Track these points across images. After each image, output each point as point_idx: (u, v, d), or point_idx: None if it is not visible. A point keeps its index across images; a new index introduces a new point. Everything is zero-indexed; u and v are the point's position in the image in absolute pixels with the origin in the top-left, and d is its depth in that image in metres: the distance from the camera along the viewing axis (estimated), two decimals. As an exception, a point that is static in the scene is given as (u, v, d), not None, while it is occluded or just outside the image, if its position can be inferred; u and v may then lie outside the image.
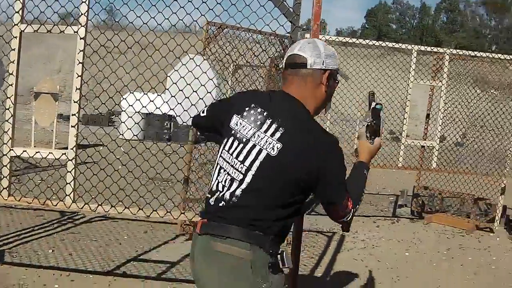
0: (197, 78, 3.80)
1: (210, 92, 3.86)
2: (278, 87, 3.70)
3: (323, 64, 2.31)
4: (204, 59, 4.25)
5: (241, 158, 2.25)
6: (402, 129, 7.22)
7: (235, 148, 2.29)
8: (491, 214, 7.81)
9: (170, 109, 3.95)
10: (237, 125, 2.33)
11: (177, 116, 3.99)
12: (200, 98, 3.81)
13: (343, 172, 2.24)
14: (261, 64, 4.46)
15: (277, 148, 2.19)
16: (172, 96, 3.90)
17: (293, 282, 3.34)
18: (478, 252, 6.61)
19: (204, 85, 3.78)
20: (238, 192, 2.22)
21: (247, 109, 2.34)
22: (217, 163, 2.36)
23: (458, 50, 7.79)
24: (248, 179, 2.21)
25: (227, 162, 2.30)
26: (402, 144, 7.10)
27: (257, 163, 2.21)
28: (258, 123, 2.28)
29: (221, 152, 2.34)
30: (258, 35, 5.01)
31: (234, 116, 2.36)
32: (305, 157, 2.18)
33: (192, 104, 3.81)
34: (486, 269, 5.97)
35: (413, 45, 7.31)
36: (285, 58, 2.39)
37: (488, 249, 6.78)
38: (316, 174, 2.18)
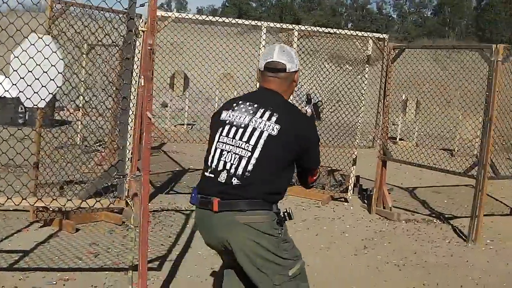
0: (47, 58, 4.00)
1: (61, 73, 4.11)
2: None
3: (296, 68, 3.35)
4: (52, 39, 4.43)
5: (245, 139, 3.13)
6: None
7: (235, 133, 3.18)
8: (345, 185, 8.72)
9: (20, 91, 4.14)
10: (229, 116, 3.25)
11: (27, 98, 4.18)
12: (51, 79, 4.01)
13: (318, 146, 3.38)
14: (114, 43, 4.78)
15: (277, 129, 3.11)
16: (21, 78, 4.06)
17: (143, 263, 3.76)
18: (332, 221, 7.47)
19: (55, 66, 3.99)
20: (250, 167, 3.08)
21: (234, 105, 3.30)
22: (216, 148, 3.21)
23: (306, 27, 8.54)
24: (256, 155, 3.09)
25: (229, 144, 3.17)
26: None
27: (261, 141, 3.10)
28: (251, 112, 3.20)
29: (218, 139, 3.22)
30: (110, 13, 5.35)
31: (223, 112, 3.31)
32: (298, 135, 3.15)
33: (42, 86, 4.00)
34: (340, 237, 6.82)
35: (262, 22, 7.88)
36: (264, 62, 3.34)
37: (342, 218, 7.69)
38: (305, 147, 3.19)
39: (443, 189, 10.21)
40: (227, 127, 3.21)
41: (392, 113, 9.28)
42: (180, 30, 9.04)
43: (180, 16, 7.62)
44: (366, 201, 8.44)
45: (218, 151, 3.18)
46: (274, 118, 3.14)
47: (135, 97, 5.78)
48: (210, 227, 3.19)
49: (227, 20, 7.92)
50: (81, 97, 7.60)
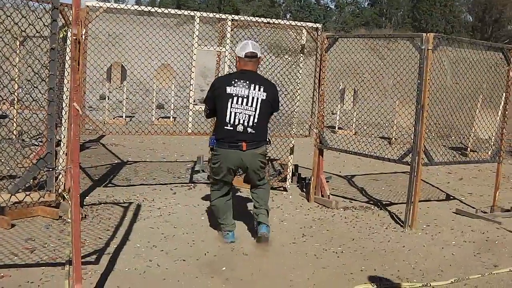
0: None
1: None
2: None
3: (260, 55, 5.88)
4: None
5: (249, 104, 5.64)
6: (189, 96, 7.77)
7: (242, 101, 5.63)
8: (284, 174, 8.77)
9: None
10: (233, 91, 5.65)
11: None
12: None
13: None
14: (40, 34, 4.65)
15: (265, 95, 5.70)
16: None
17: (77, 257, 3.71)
18: (271, 211, 7.44)
19: None
20: (255, 119, 5.66)
21: (233, 82, 5.68)
22: (230, 111, 5.62)
23: (240, 16, 8.51)
24: (257, 113, 5.66)
25: (240, 109, 5.62)
26: (190, 110, 7.69)
27: (258, 104, 5.66)
28: (247, 87, 5.67)
29: (231, 106, 5.62)
30: (35, 3, 5.22)
31: (227, 87, 5.66)
32: (273, 94, 5.85)
33: None
34: (278, 225, 6.85)
35: (195, 12, 7.82)
36: (243, 52, 5.75)
37: (281, 207, 7.74)
38: (275, 100, 5.93)
39: (381, 177, 10.39)
40: (235, 98, 5.64)
41: (330, 102, 9.38)
42: (119, 21, 8.92)
43: (112, 7, 7.49)
44: (304, 190, 8.51)
45: (233, 113, 5.62)
46: (262, 88, 5.72)
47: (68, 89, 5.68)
48: (237, 158, 5.72)
49: (159, 11, 7.80)
50: (14, 90, 7.39)
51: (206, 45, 8.09)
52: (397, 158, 7.34)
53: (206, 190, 8.28)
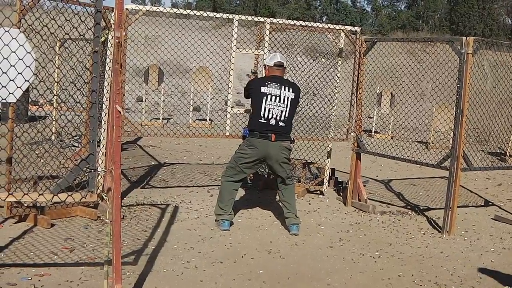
0: (14, 52, 3.96)
1: (28, 67, 4.05)
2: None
3: (286, 65, 6.84)
4: (20, 32, 4.35)
5: (281, 102, 6.44)
6: (227, 98, 7.79)
7: (275, 99, 6.42)
8: (320, 178, 8.75)
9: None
10: (267, 90, 6.43)
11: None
12: (19, 73, 3.97)
13: None
14: (81, 37, 4.71)
15: (293, 95, 6.54)
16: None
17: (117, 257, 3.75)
18: (308, 214, 7.49)
19: (22, 59, 3.96)
20: (286, 115, 6.47)
21: (266, 84, 6.48)
22: (265, 107, 6.39)
23: (278, 20, 8.51)
24: (287, 109, 6.47)
25: (274, 105, 6.41)
26: (228, 113, 7.71)
27: (288, 102, 6.48)
28: (278, 87, 6.47)
29: (265, 103, 6.40)
30: (77, 6, 5.29)
31: (261, 87, 6.46)
32: (298, 96, 6.67)
33: (10, 80, 3.96)
34: (315, 229, 6.86)
35: (234, 15, 7.84)
36: (273, 61, 6.64)
37: (318, 211, 7.73)
38: (298, 100, 6.76)
39: (418, 181, 10.30)
40: (269, 97, 6.42)
41: (367, 106, 9.34)
42: (158, 24, 9.00)
43: (151, 9, 7.55)
44: (341, 194, 8.48)
45: (267, 109, 6.39)
46: (291, 89, 6.52)
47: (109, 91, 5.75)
48: (266, 148, 6.40)
49: (198, 13, 7.87)
50: (55, 92, 7.50)
51: (244, 48, 8.09)
52: (436, 163, 7.26)
53: (242, 192, 8.32)
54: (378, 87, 15.38)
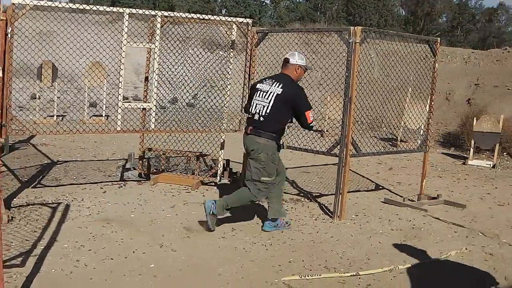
0: None
1: None
2: None
3: (295, 62, 6.48)
4: None
5: (266, 97, 6.23)
6: (118, 93, 7.65)
7: (263, 95, 6.27)
8: (215, 169, 8.76)
9: None
10: (260, 86, 6.38)
11: None
12: None
13: (306, 100, 6.37)
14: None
15: (281, 91, 6.20)
16: None
17: None
18: (201, 206, 7.39)
19: None
20: (267, 110, 6.18)
21: (263, 81, 6.43)
22: (253, 102, 6.35)
23: (170, 13, 8.43)
24: (269, 105, 6.18)
25: (259, 100, 6.27)
26: (119, 108, 7.57)
27: (272, 97, 6.19)
28: (270, 84, 6.32)
29: (255, 98, 6.35)
30: None
31: (258, 84, 6.48)
32: (292, 96, 6.21)
33: None
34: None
35: (124, 9, 7.68)
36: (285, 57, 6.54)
37: (210, 201, 7.70)
38: (296, 100, 6.24)
39: (312, 169, 10.51)
40: (259, 92, 6.36)
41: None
42: (53, 19, 8.70)
43: (38, 4, 7.29)
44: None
45: (254, 104, 6.33)
46: (280, 85, 6.25)
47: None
48: (246, 142, 6.38)
49: (88, 8, 7.68)
50: None
51: (135, 42, 7.96)
52: (326, 150, 7.41)
53: (137, 188, 8.23)
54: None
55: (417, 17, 66.36)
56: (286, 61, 6.48)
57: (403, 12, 70.96)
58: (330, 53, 7.83)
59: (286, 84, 6.28)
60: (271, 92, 6.24)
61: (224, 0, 66.22)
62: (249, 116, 6.43)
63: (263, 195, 6.43)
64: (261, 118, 6.22)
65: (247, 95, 6.71)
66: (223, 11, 64.87)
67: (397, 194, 8.76)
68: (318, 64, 8.65)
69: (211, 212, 6.25)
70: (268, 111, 6.18)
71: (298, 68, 6.47)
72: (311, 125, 6.40)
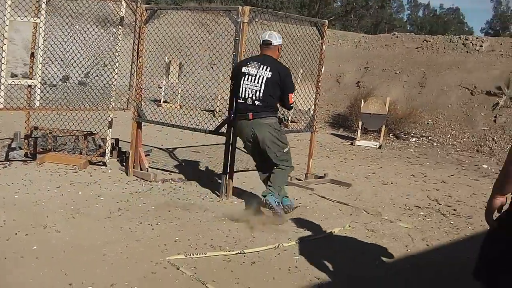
0: None
1: None
2: None
3: (277, 43, 6.58)
4: None
5: (256, 81, 6.37)
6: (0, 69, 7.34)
7: (251, 79, 6.40)
8: (103, 148, 8.62)
9: None
10: (246, 70, 6.46)
11: None
12: None
13: (292, 81, 6.66)
14: None
15: (270, 74, 6.35)
16: None
17: None
18: (88, 186, 7.36)
19: None
20: (260, 94, 6.35)
21: (248, 64, 6.52)
22: (242, 87, 6.44)
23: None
24: (262, 88, 6.35)
25: (249, 84, 6.40)
26: (2, 84, 7.27)
27: (263, 81, 6.35)
28: (257, 67, 6.43)
29: (243, 82, 6.43)
30: None
31: (242, 68, 6.51)
32: (281, 77, 6.38)
33: None
34: (95, 201, 6.74)
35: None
36: (262, 39, 6.56)
37: (98, 182, 7.62)
38: (283, 80, 6.40)
39: (203, 149, 10.54)
40: (246, 76, 6.45)
41: (156, 76, 9.31)
42: None
43: None
44: (124, 164, 8.42)
45: (244, 88, 6.43)
46: (268, 69, 6.39)
47: None
48: (248, 129, 6.43)
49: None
50: None
51: (19, 16, 7.66)
52: (213, 129, 7.44)
53: (22, 168, 7.99)
54: (167, 57, 15.40)
55: (313, 0, 67.46)
56: (268, 43, 6.55)
57: (298, -6, 71.85)
58: (224, 32, 7.85)
59: (274, 66, 6.44)
60: (260, 76, 6.39)
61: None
62: (240, 101, 6.50)
63: (292, 162, 6.80)
64: (256, 102, 6.38)
65: (245, 76, 6.49)
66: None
67: (285, 174, 8.92)
68: (212, 43, 8.68)
69: (278, 203, 6.42)
70: (261, 95, 6.36)
71: (279, 48, 6.68)
72: (291, 105, 6.74)
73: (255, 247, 5.53)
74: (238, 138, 6.77)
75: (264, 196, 6.44)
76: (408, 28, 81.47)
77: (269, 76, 6.37)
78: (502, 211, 3.08)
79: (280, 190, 6.52)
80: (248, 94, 6.41)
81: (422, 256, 5.71)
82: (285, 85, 6.45)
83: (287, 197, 6.65)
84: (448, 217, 7.22)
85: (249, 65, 6.50)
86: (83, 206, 6.46)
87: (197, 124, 8.03)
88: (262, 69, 6.40)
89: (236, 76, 6.66)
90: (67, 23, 8.64)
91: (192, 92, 10.19)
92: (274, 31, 6.90)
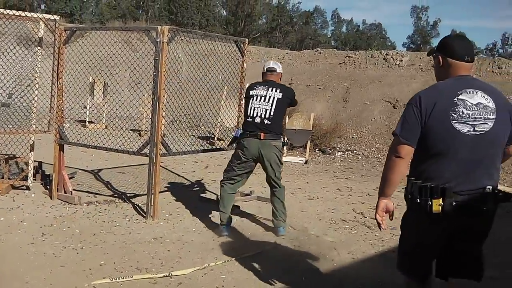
0: None
1: None
2: None
3: (280, 70, 7.08)
4: None
5: (266, 101, 6.70)
6: None
7: (261, 99, 6.72)
8: (26, 172, 8.41)
9: None
10: (255, 92, 6.79)
11: None
12: None
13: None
14: None
15: (281, 95, 6.74)
16: None
17: None
18: (10, 211, 7.15)
19: None
20: (271, 113, 6.65)
21: (255, 87, 6.86)
22: (251, 107, 6.72)
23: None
24: (272, 108, 6.67)
25: (258, 104, 6.69)
26: None
27: (274, 101, 6.69)
28: (266, 89, 6.78)
29: (251, 103, 6.74)
30: None
31: (250, 91, 6.84)
32: (288, 95, 6.86)
33: None
34: (17, 227, 6.55)
35: None
36: (266, 67, 7.04)
37: (21, 207, 7.39)
38: (292, 99, 6.98)
39: (128, 169, 10.42)
40: (255, 97, 6.74)
41: (80, 96, 9.17)
42: None
43: None
44: (48, 187, 8.24)
45: (253, 108, 6.69)
46: (278, 90, 6.76)
47: None
48: (256, 147, 6.61)
49: None
50: None
51: None
52: (136, 150, 7.38)
53: None
54: (91, 77, 15.18)
55: (238, 18, 68.01)
56: (273, 70, 7.02)
57: (225, 12, 72.40)
58: (149, 51, 7.82)
59: (282, 88, 6.89)
60: (270, 96, 6.74)
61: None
62: (249, 120, 6.75)
63: None
64: (266, 121, 6.66)
65: (253, 97, 6.84)
66: (42, 6, 62.44)
67: (212, 192, 8.94)
68: (136, 62, 8.63)
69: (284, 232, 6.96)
70: (272, 114, 6.67)
71: (281, 76, 7.15)
72: None
73: (182, 267, 5.51)
74: (242, 153, 6.79)
75: (282, 232, 6.92)
76: (333, 44, 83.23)
77: (280, 96, 6.76)
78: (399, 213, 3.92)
79: (284, 213, 7.00)
80: (257, 112, 6.69)
81: (348, 269, 5.81)
82: (292, 101, 7.05)
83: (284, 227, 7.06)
84: (373, 230, 7.34)
85: (256, 88, 6.85)
86: (5, 233, 6.28)
87: (123, 143, 7.93)
88: (272, 90, 6.78)
89: (246, 99, 6.98)
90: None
91: (118, 112, 10.10)
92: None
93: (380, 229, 3.93)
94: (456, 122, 3.47)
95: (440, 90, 3.62)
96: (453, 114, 3.47)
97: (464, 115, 3.47)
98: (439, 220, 3.54)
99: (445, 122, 3.48)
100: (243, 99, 7.23)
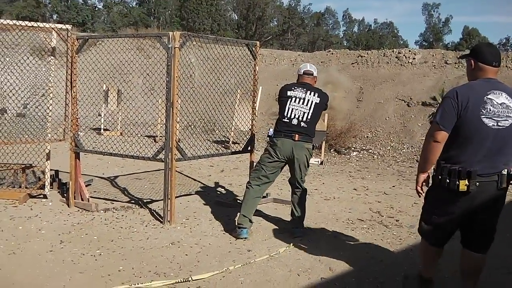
0: None
1: None
2: None
3: (315, 74, 7.11)
4: None
5: (305, 104, 6.77)
6: None
7: (299, 101, 6.78)
8: (42, 181, 8.46)
9: None
10: (293, 94, 6.82)
11: None
12: None
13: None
14: None
15: (318, 99, 6.82)
16: None
17: None
18: (29, 220, 7.19)
19: None
20: (308, 116, 6.76)
21: (293, 88, 6.89)
22: (288, 108, 6.77)
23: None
24: (310, 111, 6.76)
25: (297, 106, 6.76)
26: None
27: (312, 105, 6.79)
28: (304, 92, 6.83)
29: (289, 104, 6.78)
30: None
31: (288, 91, 6.86)
32: (325, 101, 6.92)
33: None
34: (36, 235, 6.58)
35: None
36: (303, 70, 7.07)
37: (39, 215, 7.44)
38: (326, 104, 7.00)
39: (144, 175, 10.45)
40: (293, 99, 6.79)
41: (94, 104, 9.22)
42: None
43: None
44: (65, 195, 8.29)
45: (291, 109, 6.74)
46: (316, 94, 6.84)
47: None
48: (289, 148, 6.68)
49: None
50: None
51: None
52: (151, 156, 7.40)
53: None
54: (105, 85, 15.26)
55: (249, 21, 68.09)
56: (310, 73, 7.08)
57: (236, 16, 72.49)
58: (162, 57, 7.84)
59: (319, 93, 6.92)
60: (309, 100, 6.82)
61: (55, 4, 64.16)
62: (285, 120, 6.80)
63: None
64: (302, 124, 6.76)
65: (291, 99, 6.87)
66: (55, 17, 62.91)
67: (229, 195, 8.95)
68: (149, 69, 8.66)
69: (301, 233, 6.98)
70: (309, 117, 6.78)
71: (316, 80, 7.18)
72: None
73: (200, 272, 5.50)
74: (273, 153, 6.84)
75: (297, 233, 6.93)
76: (345, 44, 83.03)
77: (318, 101, 6.84)
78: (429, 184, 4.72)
79: (303, 218, 7.10)
80: (295, 114, 6.76)
81: (366, 269, 5.78)
82: (327, 106, 7.12)
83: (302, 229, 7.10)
84: (390, 228, 7.33)
85: (294, 90, 6.89)
86: (24, 241, 6.32)
87: (138, 150, 7.96)
88: (310, 94, 6.85)
89: (281, 100, 6.95)
90: (2, 55, 8.49)
91: (132, 118, 10.15)
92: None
93: (420, 197, 4.86)
94: (484, 117, 4.23)
95: (473, 88, 4.35)
96: (482, 110, 4.23)
97: (491, 111, 4.24)
98: (464, 197, 4.34)
99: (475, 116, 4.23)
100: (279, 99, 7.09)
